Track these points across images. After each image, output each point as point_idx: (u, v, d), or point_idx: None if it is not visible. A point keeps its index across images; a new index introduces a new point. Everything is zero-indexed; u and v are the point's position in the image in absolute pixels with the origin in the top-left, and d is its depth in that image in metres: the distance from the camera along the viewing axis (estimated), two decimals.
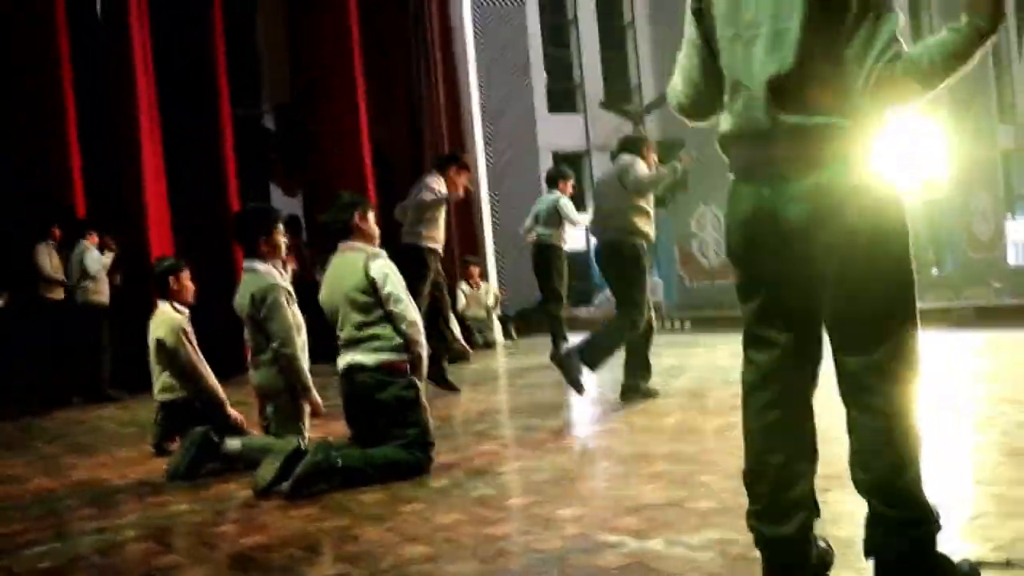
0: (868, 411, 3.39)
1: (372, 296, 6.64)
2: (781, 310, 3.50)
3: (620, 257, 9.41)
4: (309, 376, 7.38)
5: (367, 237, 6.93)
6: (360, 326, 6.66)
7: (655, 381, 9.49)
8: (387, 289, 6.67)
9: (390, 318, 6.67)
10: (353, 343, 6.69)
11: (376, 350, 6.63)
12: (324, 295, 6.93)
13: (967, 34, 3.12)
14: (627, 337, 9.22)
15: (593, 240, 10.48)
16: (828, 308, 3.43)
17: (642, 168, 9.32)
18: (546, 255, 14.00)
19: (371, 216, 7.01)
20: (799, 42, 3.26)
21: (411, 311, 6.75)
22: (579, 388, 9.13)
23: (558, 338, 13.61)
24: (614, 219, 9.42)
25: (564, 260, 14.19)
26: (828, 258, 3.31)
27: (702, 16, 3.59)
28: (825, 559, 3.71)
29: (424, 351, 6.81)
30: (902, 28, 3.23)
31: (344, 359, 6.73)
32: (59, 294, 13.09)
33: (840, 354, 3.44)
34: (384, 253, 6.92)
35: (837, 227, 3.26)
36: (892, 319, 3.37)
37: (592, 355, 9.12)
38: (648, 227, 9.47)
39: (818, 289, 3.40)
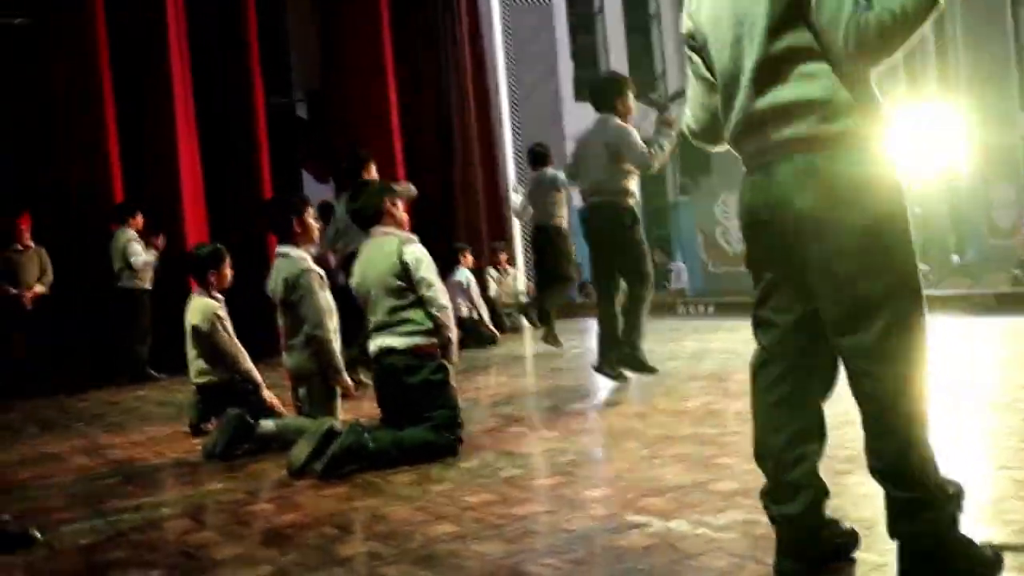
0: (864, 397, 3.38)
1: (405, 280, 6.65)
2: (781, 292, 3.56)
3: (620, 227, 9.16)
4: (341, 359, 7.42)
5: (398, 222, 6.94)
6: (392, 311, 6.67)
7: (678, 365, 9.48)
8: (420, 274, 6.65)
9: (422, 302, 6.68)
10: (384, 327, 6.70)
11: (407, 334, 6.64)
12: (356, 280, 6.93)
13: None
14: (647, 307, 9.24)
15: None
16: (820, 290, 3.43)
17: (639, 141, 8.93)
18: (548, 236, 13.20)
19: (400, 202, 7.02)
20: (767, 28, 3.33)
21: (442, 296, 6.74)
22: (650, 369, 9.21)
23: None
24: (606, 184, 9.16)
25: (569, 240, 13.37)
26: (820, 240, 3.33)
27: (696, 47, 3.74)
28: (848, 541, 3.72)
29: (454, 335, 6.82)
30: None
31: (375, 343, 6.75)
32: None
33: (833, 338, 3.45)
34: (416, 238, 6.91)
35: (829, 208, 3.28)
36: (883, 302, 3.32)
37: (630, 346, 9.10)
38: (637, 188, 9.30)
39: (820, 268, 3.39)
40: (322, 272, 7.54)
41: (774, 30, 3.33)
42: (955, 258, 24.08)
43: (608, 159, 9.01)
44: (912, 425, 3.35)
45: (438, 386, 6.67)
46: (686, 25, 3.77)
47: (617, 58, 28.72)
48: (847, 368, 3.44)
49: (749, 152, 3.55)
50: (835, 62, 3.26)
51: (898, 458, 3.35)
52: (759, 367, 3.65)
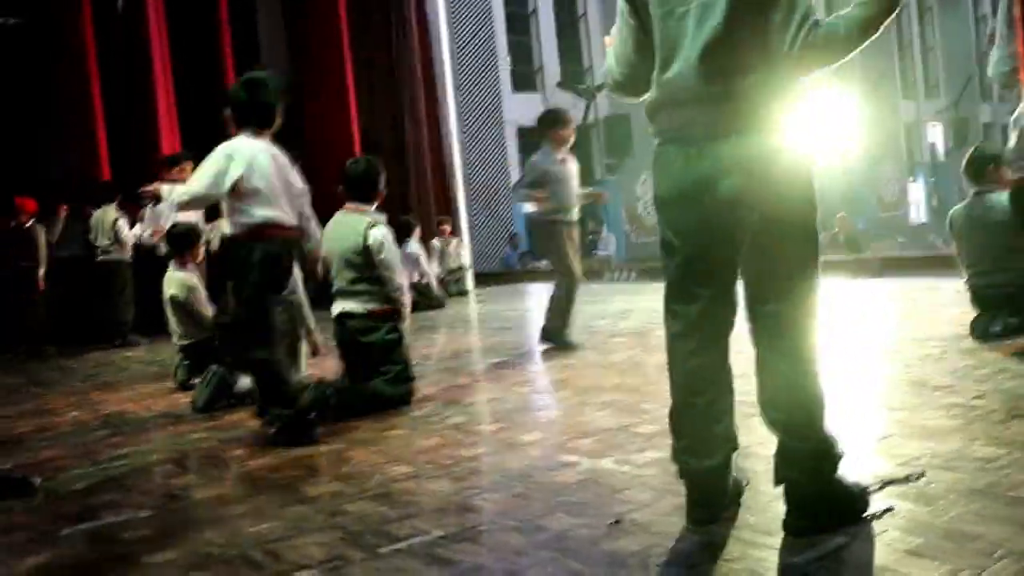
0: (781, 355, 3.37)
1: (365, 257, 6.63)
2: (705, 264, 3.45)
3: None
4: (312, 319, 7.41)
5: (375, 204, 6.90)
6: (352, 280, 6.66)
7: (605, 324, 9.48)
8: (381, 256, 6.61)
9: (380, 280, 6.66)
10: (346, 293, 6.70)
11: (365, 300, 6.64)
12: (325, 248, 6.90)
13: (873, 9, 3.14)
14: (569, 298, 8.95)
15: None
16: (746, 262, 3.40)
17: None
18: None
19: (383, 186, 6.97)
20: (726, 13, 3.23)
21: (399, 276, 6.73)
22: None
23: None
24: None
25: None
26: (750, 217, 3.29)
27: (636, 6, 3.54)
28: (739, 487, 3.73)
29: (407, 309, 6.81)
30: None
31: (337, 306, 6.74)
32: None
33: (756, 304, 3.42)
34: (383, 220, 6.88)
35: (761, 189, 3.24)
36: (803, 273, 3.35)
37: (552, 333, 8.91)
38: (552, 205, 8.80)
39: (738, 244, 3.38)
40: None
41: (730, 18, 3.23)
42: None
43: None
44: (815, 381, 3.38)
45: (393, 344, 6.68)
46: None
47: (549, 54, 28.75)
48: (763, 332, 3.42)
49: (676, 123, 3.42)
50: (777, 57, 3.25)
51: (804, 412, 3.37)
52: (679, 337, 3.55)
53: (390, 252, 6.71)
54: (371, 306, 6.64)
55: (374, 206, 6.88)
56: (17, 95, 14.08)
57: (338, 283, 6.74)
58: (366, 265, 6.63)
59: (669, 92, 3.43)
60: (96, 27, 14.32)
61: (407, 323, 6.85)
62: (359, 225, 6.68)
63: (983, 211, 7.38)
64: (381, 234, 6.71)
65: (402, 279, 6.76)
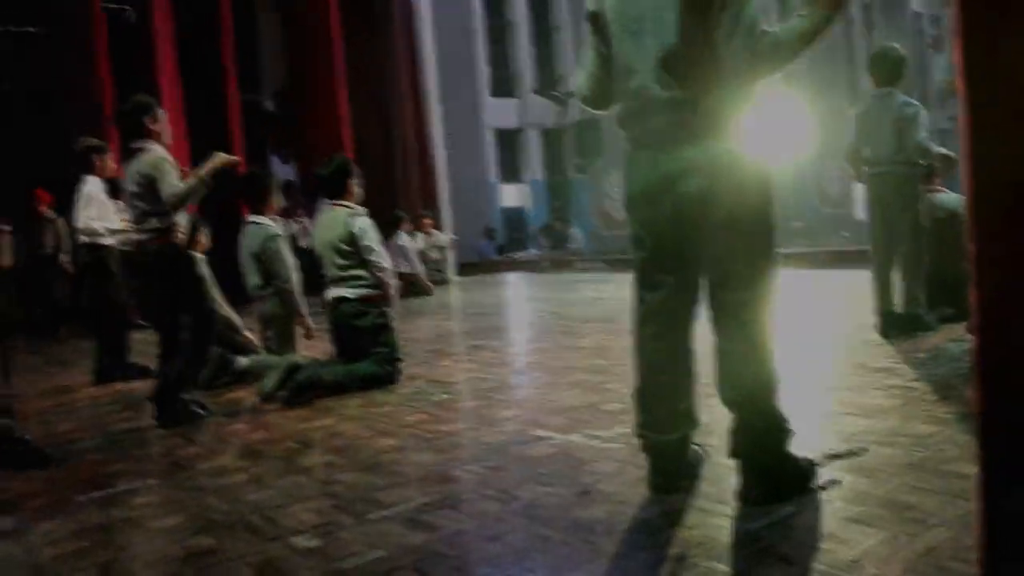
0: (739, 339, 3.36)
1: (351, 245, 6.63)
2: (670, 256, 3.46)
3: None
4: (304, 305, 7.39)
5: (352, 197, 6.90)
6: (343, 268, 6.66)
7: (575, 310, 9.47)
8: (364, 242, 6.64)
9: (366, 264, 6.66)
10: (338, 280, 6.70)
11: (356, 287, 6.64)
12: (315, 241, 6.94)
13: (815, 20, 3.14)
14: None
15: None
16: (709, 253, 3.39)
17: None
18: None
19: (356, 180, 6.97)
20: (677, 28, 3.24)
21: (382, 259, 6.74)
22: None
23: None
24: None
25: None
26: (713, 214, 3.28)
27: (596, 19, 3.57)
28: (698, 460, 3.74)
29: (393, 289, 6.81)
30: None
31: (331, 293, 6.73)
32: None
33: (718, 292, 3.40)
34: (364, 211, 6.87)
35: (723, 189, 3.25)
36: (763, 264, 3.34)
37: None
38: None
39: (700, 238, 3.37)
40: (285, 235, 7.53)
41: (681, 32, 3.24)
42: (797, 223, 24.34)
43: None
44: (772, 364, 3.37)
45: (382, 327, 6.68)
46: (591, 4, 3.60)
47: (525, 62, 28.75)
48: (723, 318, 3.41)
49: (643, 131, 3.44)
50: (728, 66, 3.25)
51: (758, 391, 3.36)
52: (644, 321, 3.57)
53: (372, 238, 6.73)
54: (362, 292, 6.65)
55: (352, 200, 6.87)
56: (39, 97, 14.10)
57: (331, 271, 6.74)
58: (354, 252, 6.65)
59: (633, 102, 3.44)
60: (109, 36, 14.32)
61: (394, 306, 6.86)
62: (343, 216, 6.71)
63: (928, 208, 7.39)
64: (362, 222, 6.74)
65: (385, 261, 6.78)
